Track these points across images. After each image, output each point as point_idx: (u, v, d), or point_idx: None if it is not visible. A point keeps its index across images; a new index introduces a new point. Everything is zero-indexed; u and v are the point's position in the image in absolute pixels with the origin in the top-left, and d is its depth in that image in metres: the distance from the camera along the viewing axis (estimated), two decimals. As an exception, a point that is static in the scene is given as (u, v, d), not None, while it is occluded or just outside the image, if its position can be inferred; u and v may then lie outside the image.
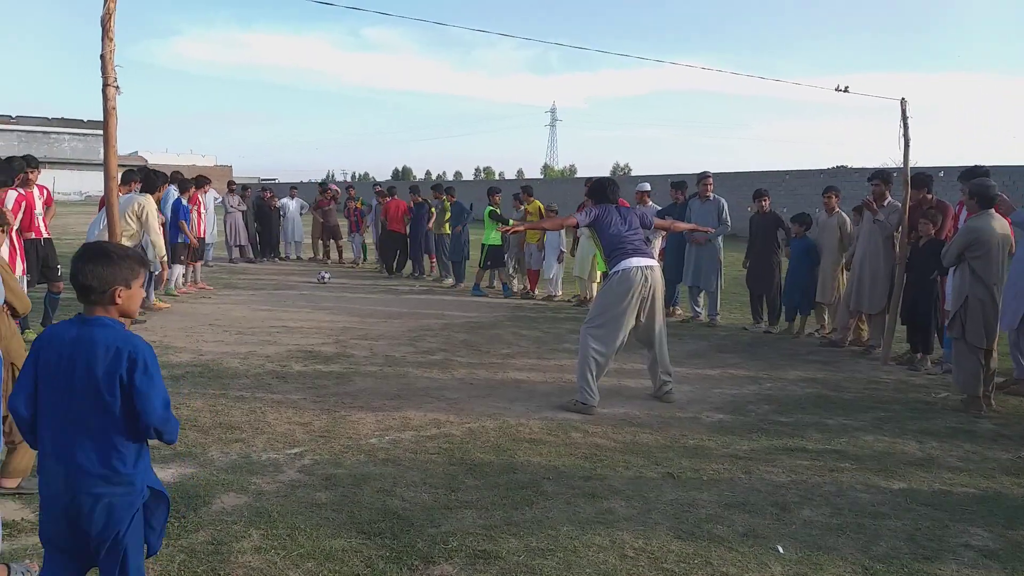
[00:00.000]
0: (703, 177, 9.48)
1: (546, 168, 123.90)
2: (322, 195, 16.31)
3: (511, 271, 12.19)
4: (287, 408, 5.34)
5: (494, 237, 11.57)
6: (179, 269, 10.88)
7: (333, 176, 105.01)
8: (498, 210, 11.74)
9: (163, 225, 9.28)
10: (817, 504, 3.92)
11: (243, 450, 4.47)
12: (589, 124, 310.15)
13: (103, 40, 3.83)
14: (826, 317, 8.73)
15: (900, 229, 7.23)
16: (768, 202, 9.19)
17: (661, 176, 28.30)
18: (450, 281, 12.89)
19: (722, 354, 7.68)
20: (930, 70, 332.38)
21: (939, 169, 21.20)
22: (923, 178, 7.29)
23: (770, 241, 9.04)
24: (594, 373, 5.51)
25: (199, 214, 11.48)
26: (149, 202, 8.13)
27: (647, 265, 5.60)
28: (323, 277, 12.98)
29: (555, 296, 11.46)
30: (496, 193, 12.03)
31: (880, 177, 7.65)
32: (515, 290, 12.12)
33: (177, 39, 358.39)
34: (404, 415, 5.29)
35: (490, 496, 3.88)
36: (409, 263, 14.36)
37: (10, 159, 7.26)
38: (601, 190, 6.02)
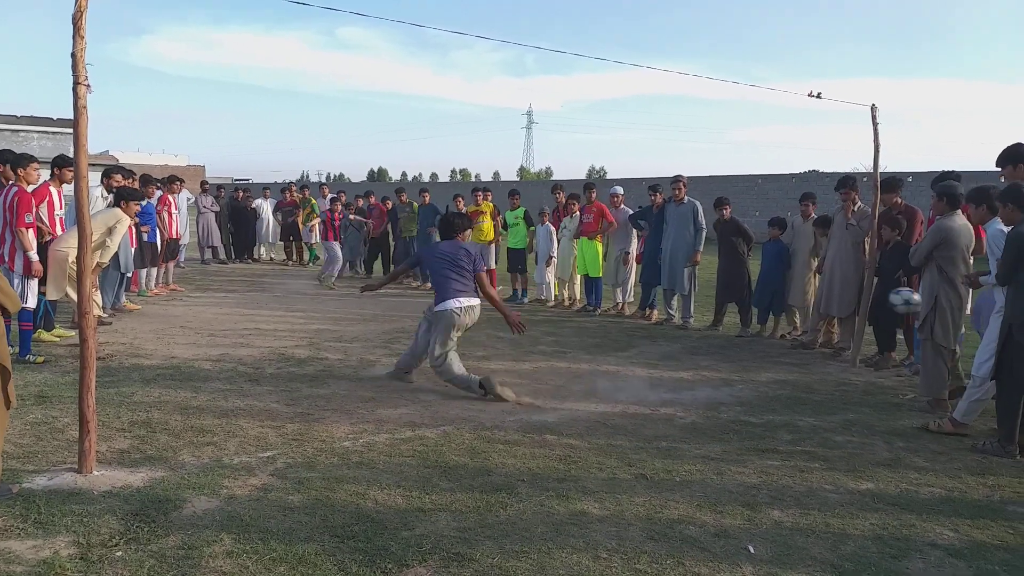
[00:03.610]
0: (675, 180, 9.58)
1: (522, 170, 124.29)
2: (282, 195, 16.50)
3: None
4: (259, 411, 5.30)
5: (516, 241, 11.45)
6: (151, 270, 10.73)
7: (307, 176, 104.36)
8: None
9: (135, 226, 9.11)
10: (787, 504, 3.97)
11: (215, 454, 4.43)
12: (565, 127, 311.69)
13: (74, 38, 3.78)
14: (797, 320, 8.85)
15: (870, 234, 7.35)
16: (728, 210, 9.39)
17: (636, 179, 28.55)
18: (417, 283, 12.82)
19: (695, 356, 7.75)
20: (902, 75, 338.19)
21: (908, 174, 21.58)
22: (893, 182, 7.43)
23: (732, 248, 9.19)
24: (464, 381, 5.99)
25: (171, 215, 11.34)
26: (125, 220, 7.96)
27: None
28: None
29: (546, 301, 11.34)
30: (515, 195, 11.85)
31: (845, 185, 7.76)
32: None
33: (150, 37, 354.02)
34: (378, 418, 5.27)
35: (464, 498, 3.88)
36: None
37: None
38: (447, 226, 6.41)
